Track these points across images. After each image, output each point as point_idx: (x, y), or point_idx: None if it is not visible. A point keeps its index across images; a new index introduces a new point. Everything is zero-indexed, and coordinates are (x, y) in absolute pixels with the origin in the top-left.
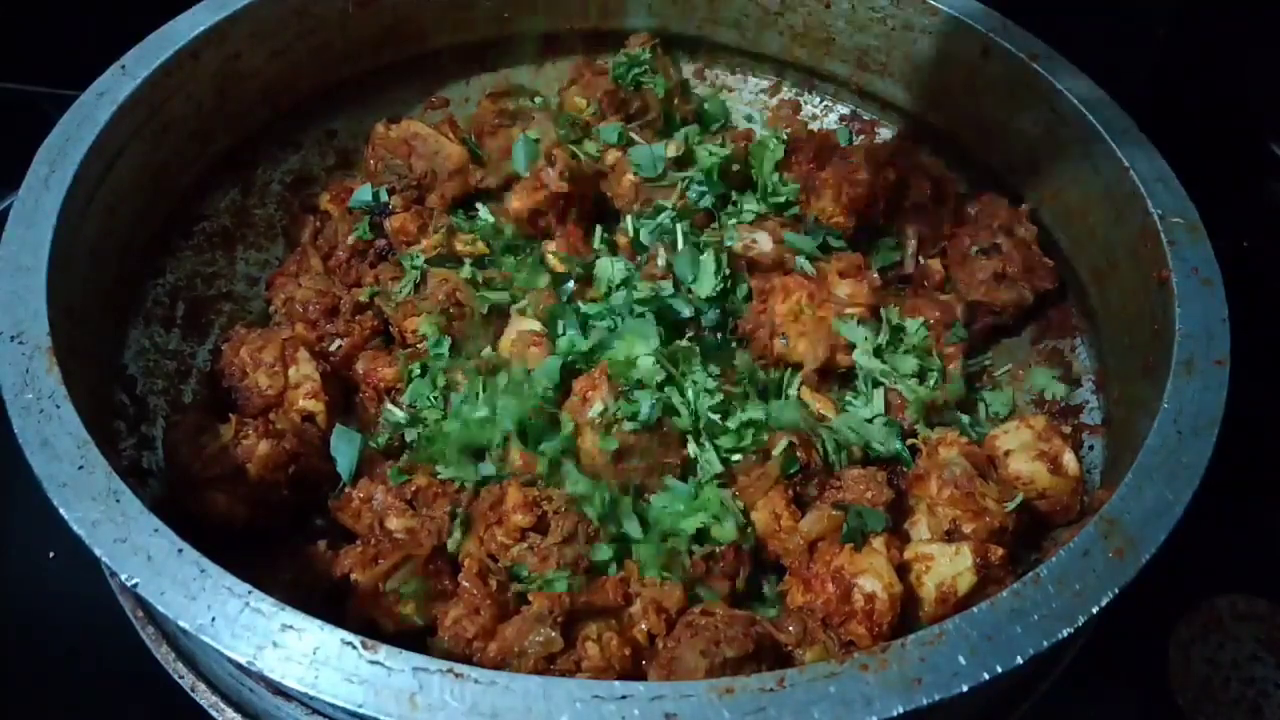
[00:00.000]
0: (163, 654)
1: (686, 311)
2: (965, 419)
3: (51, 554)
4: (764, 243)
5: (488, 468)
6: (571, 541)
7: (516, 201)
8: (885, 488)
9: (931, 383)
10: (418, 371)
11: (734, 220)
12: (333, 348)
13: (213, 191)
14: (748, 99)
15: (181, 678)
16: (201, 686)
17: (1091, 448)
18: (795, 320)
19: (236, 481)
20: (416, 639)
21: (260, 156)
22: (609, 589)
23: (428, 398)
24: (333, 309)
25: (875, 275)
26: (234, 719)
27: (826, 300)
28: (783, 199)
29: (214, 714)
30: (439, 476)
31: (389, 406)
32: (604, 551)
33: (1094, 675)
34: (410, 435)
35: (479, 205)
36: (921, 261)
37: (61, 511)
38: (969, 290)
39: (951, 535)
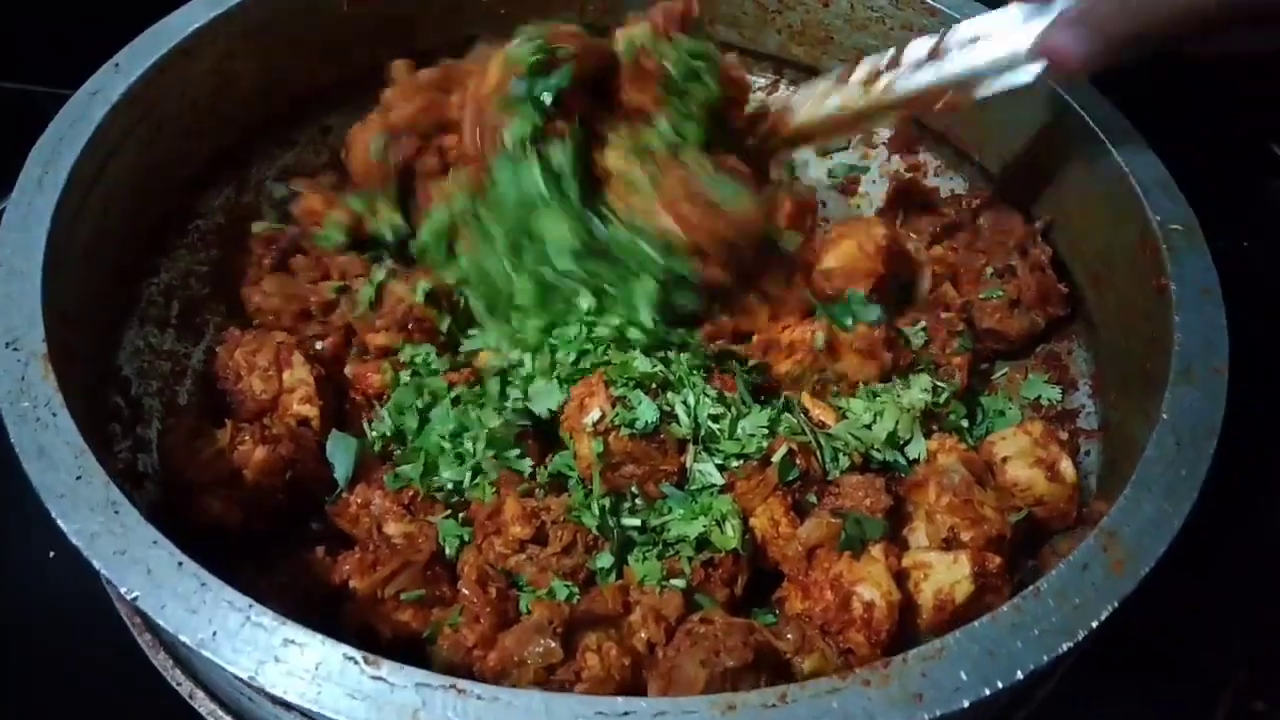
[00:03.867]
0: (160, 661)
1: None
2: (964, 424)
3: (51, 554)
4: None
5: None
6: (570, 552)
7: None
8: (884, 495)
9: (943, 398)
10: (406, 378)
11: None
12: (319, 347)
13: (207, 189)
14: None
15: (179, 685)
16: (200, 694)
17: (1088, 453)
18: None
19: (232, 486)
20: (415, 646)
21: (255, 154)
22: (608, 597)
23: (410, 406)
24: (303, 312)
25: (888, 355)
26: None
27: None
28: None
29: None
30: (412, 484)
31: (379, 411)
32: (604, 560)
33: (1094, 676)
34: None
35: None
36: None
37: (59, 523)
38: (982, 318)
39: (949, 543)
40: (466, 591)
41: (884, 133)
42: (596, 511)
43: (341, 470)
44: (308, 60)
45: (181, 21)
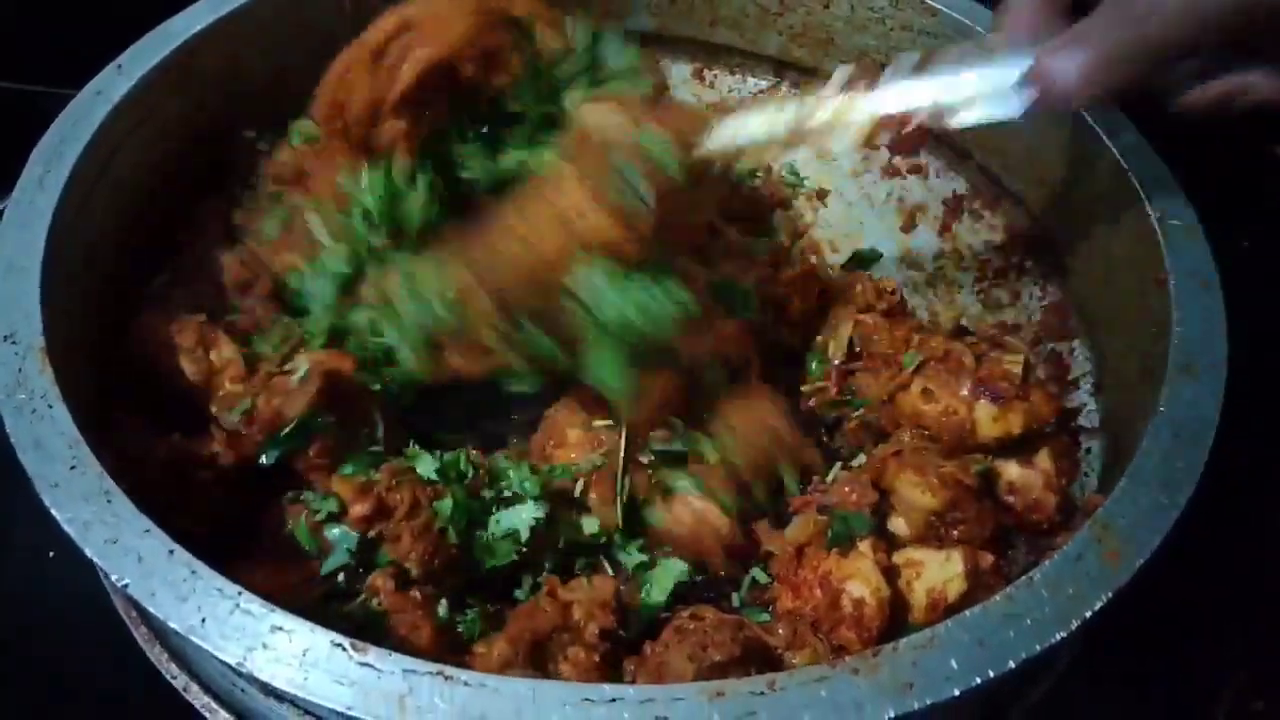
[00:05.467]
0: (155, 654)
1: None
2: None
3: (51, 554)
4: None
5: None
6: (416, 512)
7: None
8: (869, 490)
9: None
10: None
11: None
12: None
13: (210, 190)
14: (747, 100)
15: (174, 678)
16: (195, 687)
17: (1089, 450)
18: None
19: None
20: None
21: (258, 155)
22: (547, 609)
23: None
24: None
25: None
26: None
27: None
28: None
29: (206, 715)
30: None
31: None
32: (445, 506)
33: (1093, 675)
34: None
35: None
36: None
37: (53, 512)
38: None
39: (941, 539)
40: (390, 603)
41: (885, 133)
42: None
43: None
44: (311, 62)
45: (184, 24)
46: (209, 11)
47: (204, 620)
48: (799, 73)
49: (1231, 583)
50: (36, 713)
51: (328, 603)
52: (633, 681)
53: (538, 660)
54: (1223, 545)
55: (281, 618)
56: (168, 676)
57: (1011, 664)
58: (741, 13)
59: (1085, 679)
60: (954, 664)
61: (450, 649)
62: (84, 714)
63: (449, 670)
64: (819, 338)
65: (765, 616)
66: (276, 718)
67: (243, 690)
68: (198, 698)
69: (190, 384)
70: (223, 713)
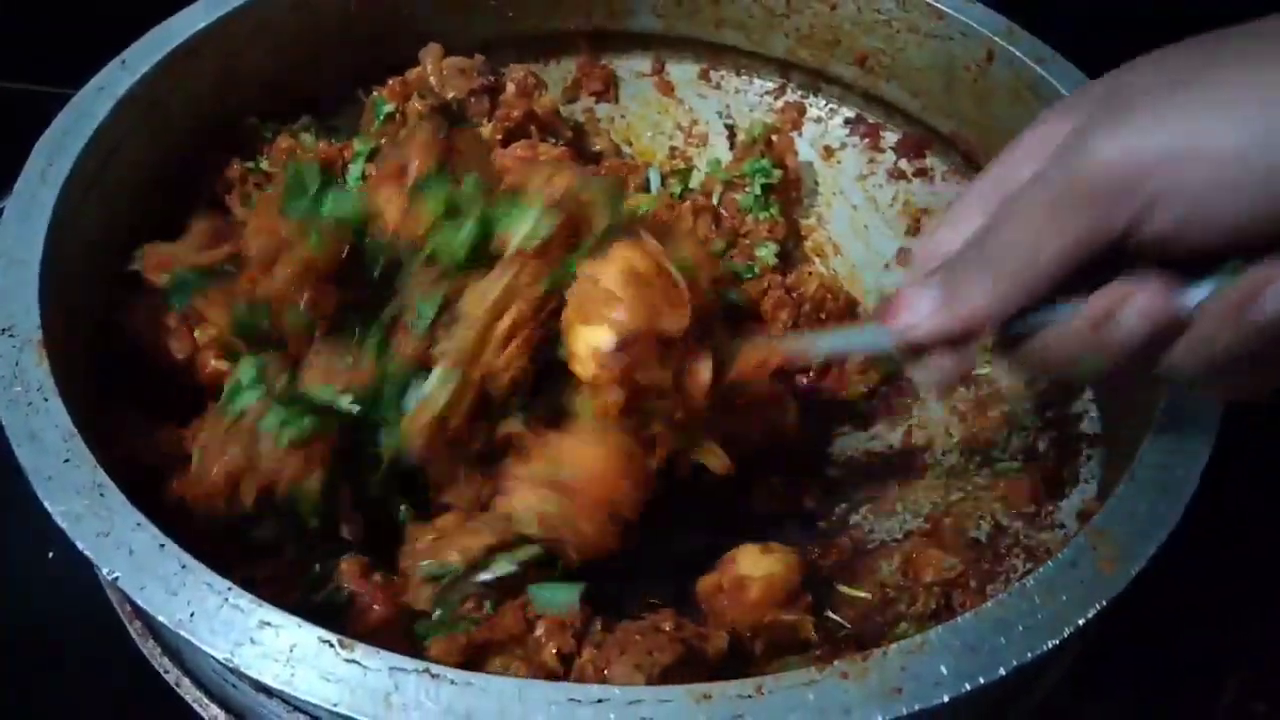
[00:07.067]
0: (149, 649)
1: None
2: None
3: (50, 554)
4: None
5: None
6: None
7: None
8: None
9: None
10: None
11: None
12: None
13: (212, 187)
14: (752, 101)
15: (167, 672)
16: (186, 682)
17: (1089, 457)
18: None
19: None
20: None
21: (260, 153)
22: (509, 618)
23: None
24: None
25: None
26: (218, 714)
27: None
28: None
29: (198, 709)
30: None
31: None
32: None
33: (1093, 675)
34: None
35: None
36: None
37: (46, 504)
38: None
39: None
40: (350, 586)
41: (891, 136)
42: None
43: None
44: (314, 60)
45: (186, 22)
46: (210, 10)
47: (193, 615)
48: (805, 74)
49: (1231, 583)
50: (34, 709)
51: (306, 594)
52: None
53: (476, 660)
54: (1223, 545)
55: (269, 613)
56: (160, 671)
57: (1002, 671)
58: (747, 14)
59: (1085, 679)
60: (944, 670)
61: (406, 635)
62: (80, 710)
63: (435, 668)
64: None
65: None
66: (266, 713)
67: (233, 685)
68: (189, 692)
69: (178, 363)
70: (214, 707)
